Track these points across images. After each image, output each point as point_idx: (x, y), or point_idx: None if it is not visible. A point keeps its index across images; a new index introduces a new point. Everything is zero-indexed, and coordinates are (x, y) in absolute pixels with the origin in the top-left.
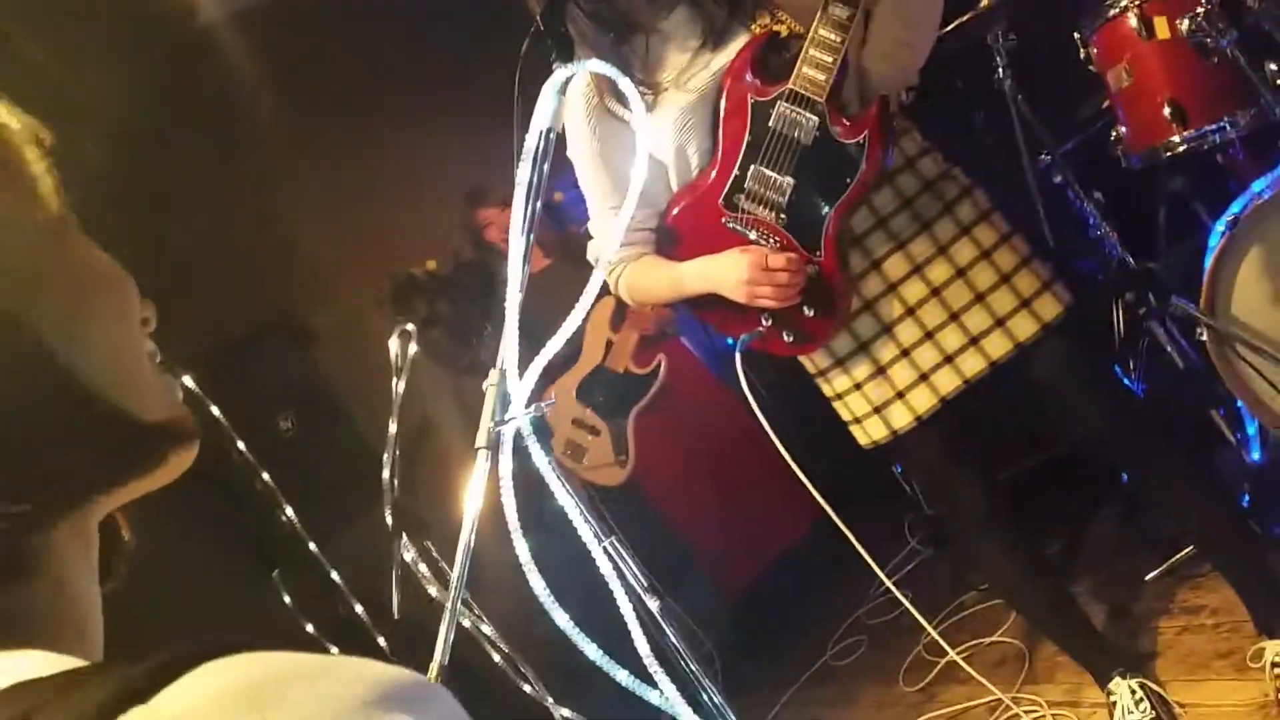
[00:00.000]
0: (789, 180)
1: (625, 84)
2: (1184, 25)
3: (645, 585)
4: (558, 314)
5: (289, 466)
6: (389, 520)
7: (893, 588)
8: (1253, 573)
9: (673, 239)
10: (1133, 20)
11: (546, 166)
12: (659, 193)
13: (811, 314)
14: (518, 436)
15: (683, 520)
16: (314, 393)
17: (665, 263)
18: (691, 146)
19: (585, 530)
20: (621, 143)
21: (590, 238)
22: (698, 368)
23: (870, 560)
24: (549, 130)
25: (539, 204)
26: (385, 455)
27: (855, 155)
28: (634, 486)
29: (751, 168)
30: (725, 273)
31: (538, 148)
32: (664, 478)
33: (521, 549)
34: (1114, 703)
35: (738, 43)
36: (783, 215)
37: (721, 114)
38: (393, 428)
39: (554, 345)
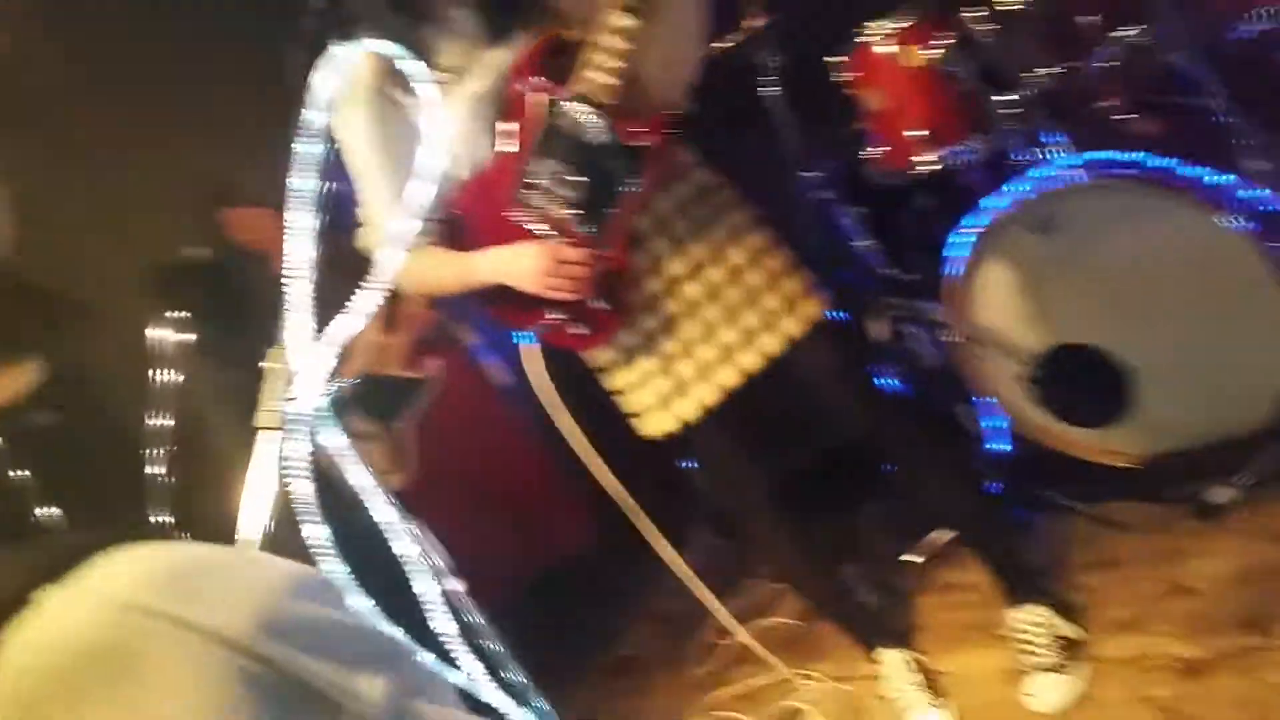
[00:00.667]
0: (577, 178)
1: (417, 68)
2: (932, 55)
3: (446, 567)
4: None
5: (49, 461)
6: (161, 517)
7: (685, 571)
8: (1000, 551)
9: (458, 230)
10: (887, 48)
11: (333, 145)
12: (444, 179)
13: (602, 307)
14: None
15: (452, 526)
16: (79, 382)
17: (451, 253)
18: (475, 139)
19: (387, 512)
20: (400, 130)
21: (359, 225)
22: (475, 373)
23: (663, 547)
24: (331, 107)
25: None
26: (153, 449)
27: (642, 157)
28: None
29: (541, 164)
30: (520, 263)
31: (320, 123)
32: (435, 485)
33: (315, 533)
34: (883, 672)
35: (522, 42)
36: (571, 211)
37: (508, 110)
38: (158, 420)
39: (345, 325)
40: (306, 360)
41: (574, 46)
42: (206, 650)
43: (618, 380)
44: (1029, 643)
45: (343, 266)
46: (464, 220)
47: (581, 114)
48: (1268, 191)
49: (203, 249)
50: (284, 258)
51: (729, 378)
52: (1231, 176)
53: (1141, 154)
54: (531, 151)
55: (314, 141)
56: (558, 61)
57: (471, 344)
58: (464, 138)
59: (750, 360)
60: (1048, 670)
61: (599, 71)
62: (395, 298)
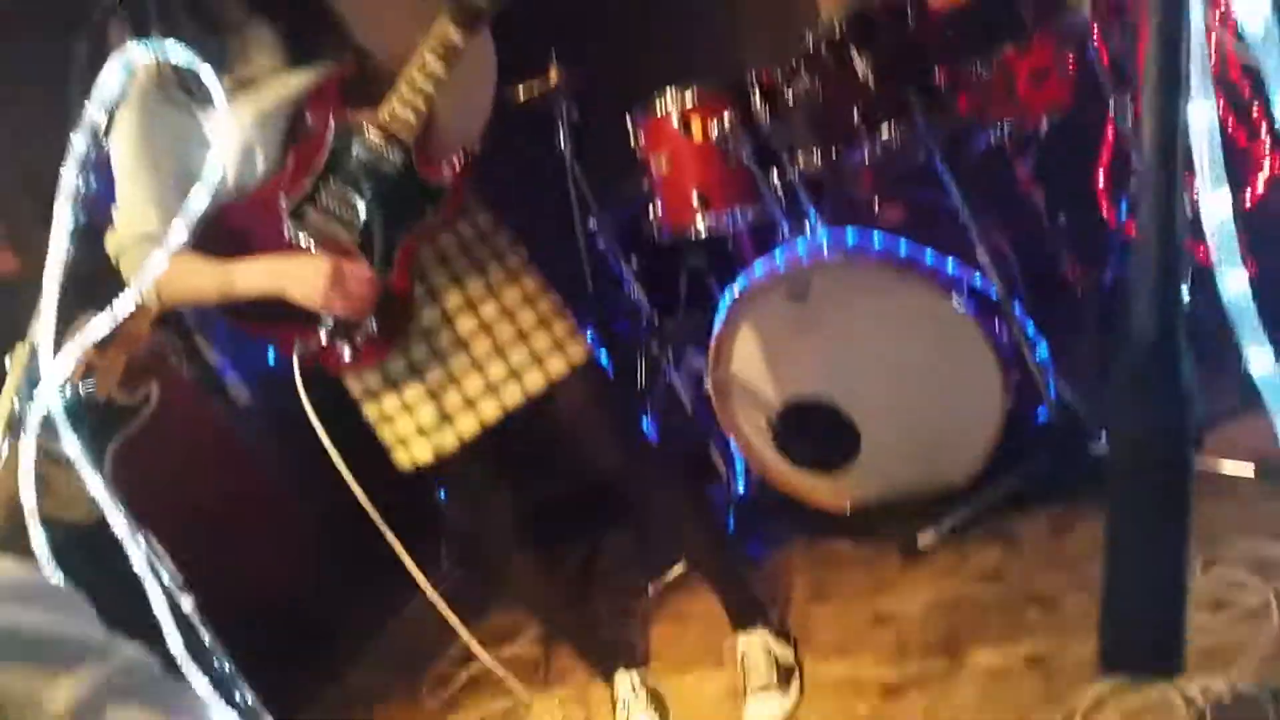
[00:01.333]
0: (367, 204)
1: (207, 72)
2: (713, 130)
3: (179, 582)
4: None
5: None
6: None
7: (433, 596)
8: (729, 582)
9: (224, 240)
10: (674, 119)
11: (105, 142)
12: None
13: (375, 330)
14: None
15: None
16: None
17: (209, 260)
18: (260, 151)
19: (118, 522)
20: (173, 133)
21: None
22: (195, 403)
23: (415, 572)
24: (114, 103)
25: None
26: None
27: (436, 194)
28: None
29: (329, 184)
30: (302, 274)
31: (96, 118)
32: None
33: (38, 540)
34: (617, 695)
35: (323, 66)
36: (355, 234)
37: (302, 129)
38: None
39: (98, 326)
40: (52, 361)
41: (372, 79)
42: None
43: (380, 407)
44: (750, 666)
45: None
46: (232, 230)
47: (380, 143)
48: (988, 281)
49: None
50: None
51: (490, 412)
52: (959, 265)
53: (889, 238)
54: (319, 171)
55: (86, 139)
56: (360, 90)
57: (197, 365)
58: (246, 151)
59: (512, 396)
60: (765, 690)
61: (404, 106)
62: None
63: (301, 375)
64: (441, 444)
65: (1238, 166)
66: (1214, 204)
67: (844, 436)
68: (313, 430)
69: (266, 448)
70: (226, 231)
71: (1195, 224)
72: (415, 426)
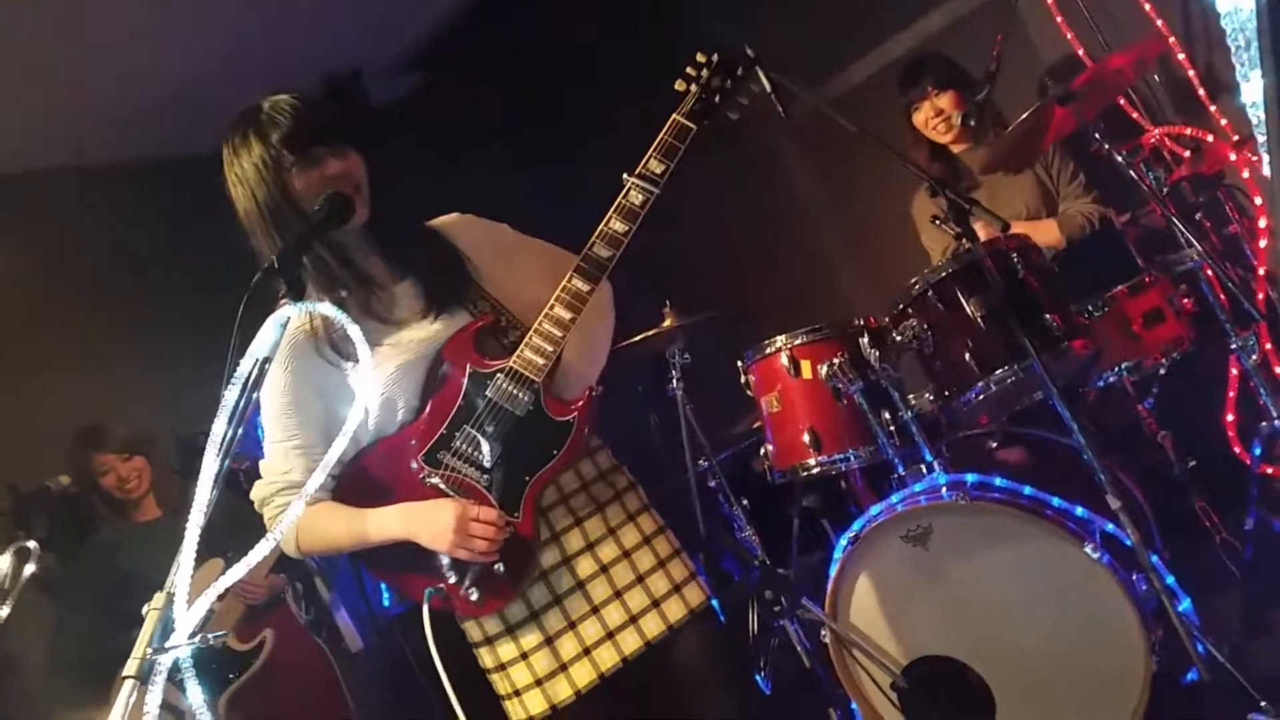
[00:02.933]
0: (497, 446)
1: (355, 331)
2: (823, 370)
3: None
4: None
5: None
6: None
7: None
8: None
9: (361, 488)
10: (784, 359)
11: (255, 395)
12: (360, 435)
13: (503, 572)
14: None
15: None
16: None
17: (347, 509)
18: (400, 401)
19: None
20: (319, 386)
21: (258, 476)
22: (307, 650)
23: None
24: (265, 359)
25: (239, 429)
26: None
27: (563, 432)
28: None
29: (461, 429)
30: (432, 520)
31: (250, 373)
32: None
33: None
34: None
35: (459, 318)
36: (485, 476)
37: (437, 377)
38: None
39: (234, 574)
40: (187, 609)
41: (507, 330)
42: None
43: (497, 655)
44: None
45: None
46: (370, 477)
47: (511, 387)
48: (1121, 527)
49: (61, 479)
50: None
51: (607, 660)
52: (1088, 510)
53: (1014, 482)
54: (452, 417)
55: (237, 389)
56: (491, 341)
57: (314, 608)
58: (386, 399)
59: (630, 643)
60: None
61: (534, 352)
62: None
63: (430, 621)
64: (556, 694)
65: None
66: None
67: (977, 700)
68: (420, 680)
69: (375, 695)
70: (366, 479)
71: None
72: (531, 676)
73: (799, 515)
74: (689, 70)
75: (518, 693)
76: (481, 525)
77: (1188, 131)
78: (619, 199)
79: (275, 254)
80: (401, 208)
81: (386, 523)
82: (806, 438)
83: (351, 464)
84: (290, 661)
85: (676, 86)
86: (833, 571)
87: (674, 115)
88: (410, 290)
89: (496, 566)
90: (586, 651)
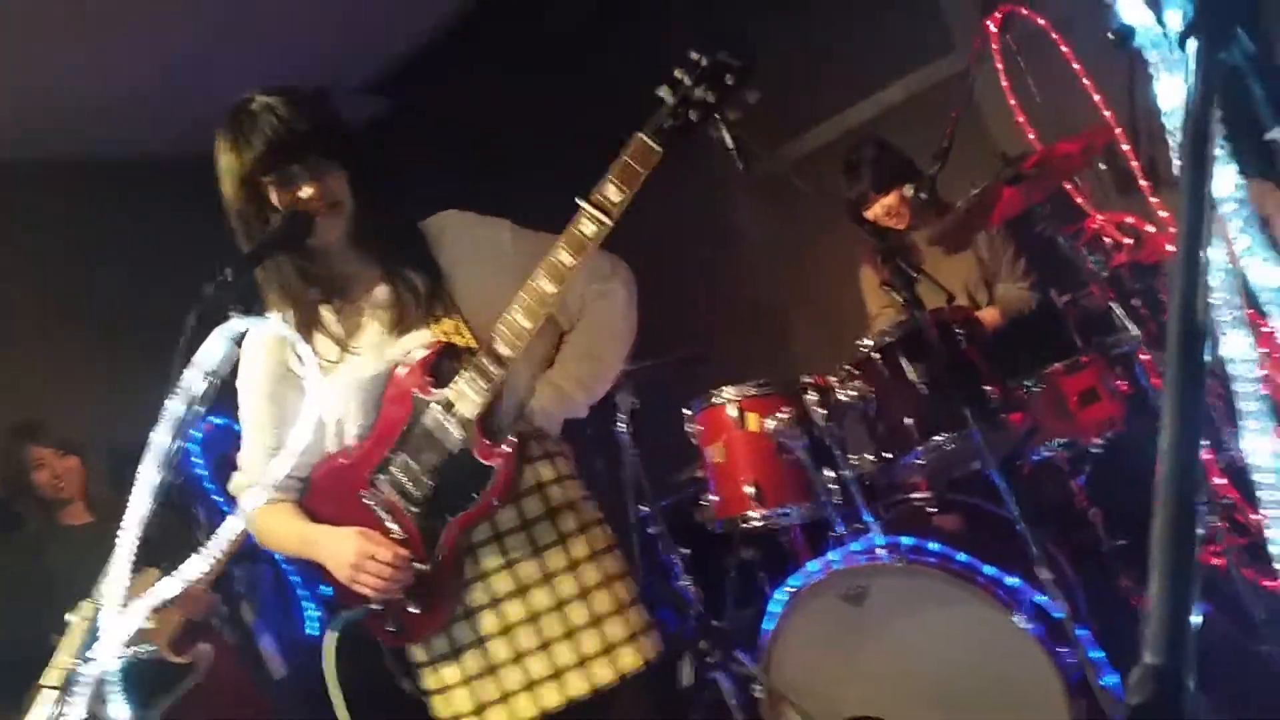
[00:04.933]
0: (426, 480)
1: (304, 350)
2: (770, 425)
3: None
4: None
5: None
6: None
7: None
8: None
9: (314, 495)
10: (731, 411)
11: (200, 408)
12: (316, 447)
13: (416, 611)
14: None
15: None
16: None
17: (301, 518)
18: (352, 419)
19: None
20: (293, 391)
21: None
22: (238, 669)
23: None
24: (212, 373)
25: (180, 442)
26: None
27: (483, 476)
28: None
29: (400, 455)
30: (335, 550)
31: (195, 386)
32: None
33: None
34: None
35: (419, 336)
36: (413, 508)
37: (386, 398)
38: None
39: (181, 578)
40: (117, 619)
41: (464, 354)
42: None
43: (427, 681)
44: None
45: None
46: (320, 488)
47: (445, 419)
48: (1051, 599)
49: None
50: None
51: (524, 711)
52: (1019, 579)
53: (949, 547)
54: (396, 441)
55: (181, 400)
56: (446, 365)
57: (238, 631)
58: (341, 415)
59: (551, 698)
60: None
61: (469, 386)
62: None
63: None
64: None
65: None
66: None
67: None
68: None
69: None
70: (322, 490)
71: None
72: (452, 712)
73: (737, 568)
74: (675, 73)
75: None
76: (376, 565)
77: (1129, 220)
78: (569, 226)
79: (227, 266)
80: (384, 219)
81: (312, 540)
82: (749, 490)
83: (315, 471)
84: (225, 681)
85: (660, 93)
86: (768, 626)
87: (639, 134)
88: (384, 302)
89: (409, 605)
90: (506, 698)
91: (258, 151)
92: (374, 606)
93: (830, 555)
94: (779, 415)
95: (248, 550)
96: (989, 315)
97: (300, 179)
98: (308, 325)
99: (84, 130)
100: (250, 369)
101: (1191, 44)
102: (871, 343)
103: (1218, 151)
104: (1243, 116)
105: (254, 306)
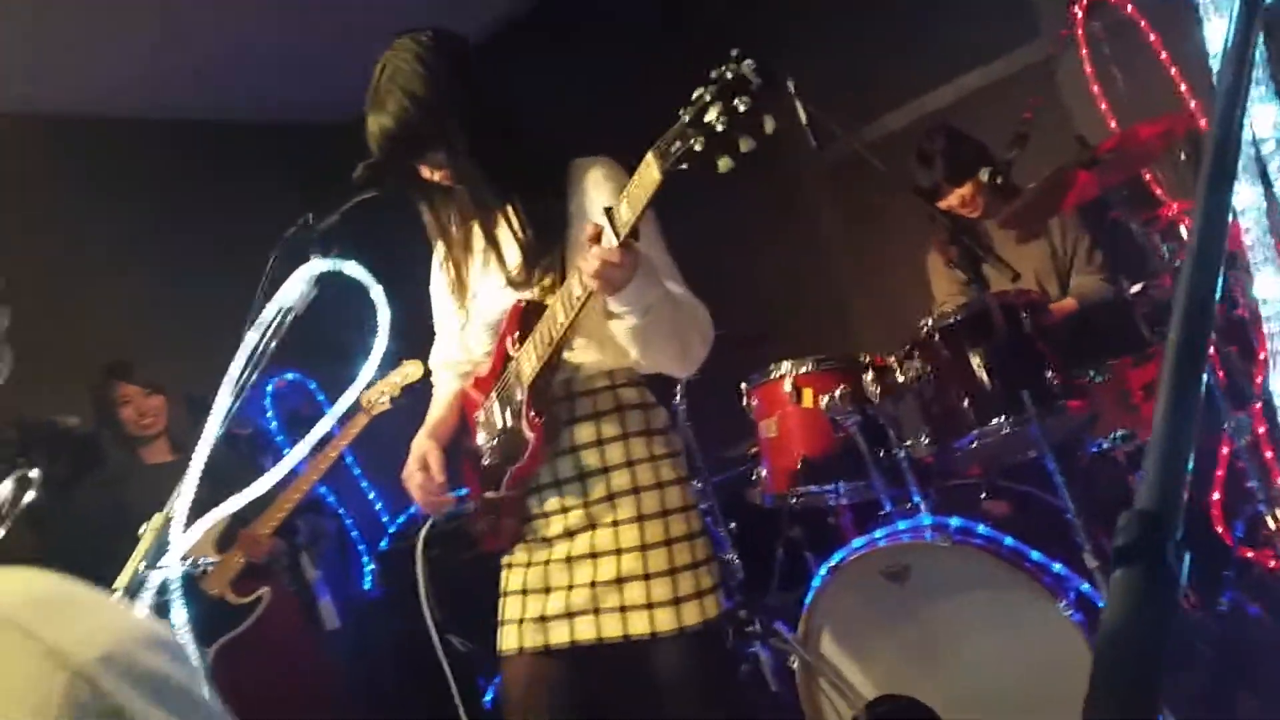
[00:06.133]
0: (500, 423)
1: (377, 292)
2: (824, 401)
3: None
4: None
5: None
6: None
7: None
8: None
9: (470, 391)
10: (788, 385)
11: (274, 343)
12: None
13: (484, 529)
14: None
15: None
16: None
17: (442, 402)
18: (486, 347)
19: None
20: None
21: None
22: (292, 617)
23: None
24: (289, 310)
25: (254, 375)
26: None
27: (522, 442)
28: None
29: (495, 393)
30: (413, 452)
31: (274, 320)
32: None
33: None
34: None
35: (528, 290)
36: (490, 444)
37: (500, 335)
38: None
39: (233, 503)
40: (182, 533)
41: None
42: (43, 664)
43: (508, 581)
44: None
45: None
46: (467, 391)
47: (514, 378)
48: (1097, 589)
49: (73, 417)
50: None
51: (557, 636)
52: (1066, 568)
53: (997, 531)
54: (497, 380)
55: (258, 333)
56: (534, 320)
57: (297, 580)
58: (481, 341)
59: (584, 631)
60: None
61: (530, 350)
62: (240, 519)
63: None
64: (528, 640)
65: None
66: None
67: None
68: (390, 663)
69: (347, 673)
70: (474, 390)
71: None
72: (507, 615)
73: (784, 545)
74: (706, 83)
75: (503, 624)
76: (416, 486)
77: None
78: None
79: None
80: (505, 166)
81: (420, 434)
82: (800, 465)
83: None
84: (281, 625)
85: (694, 96)
86: (809, 600)
87: (649, 152)
88: (506, 246)
89: (479, 524)
90: (543, 621)
91: (382, 142)
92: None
93: (875, 532)
94: (834, 392)
95: (312, 501)
96: (1065, 305)
97: (424, 164)
98: (459, 257)
99: (173, 90)
100: (437, 279)
101: None
102: (933, 322)
103: (1259, 91)
104: None
105: (333, 248)
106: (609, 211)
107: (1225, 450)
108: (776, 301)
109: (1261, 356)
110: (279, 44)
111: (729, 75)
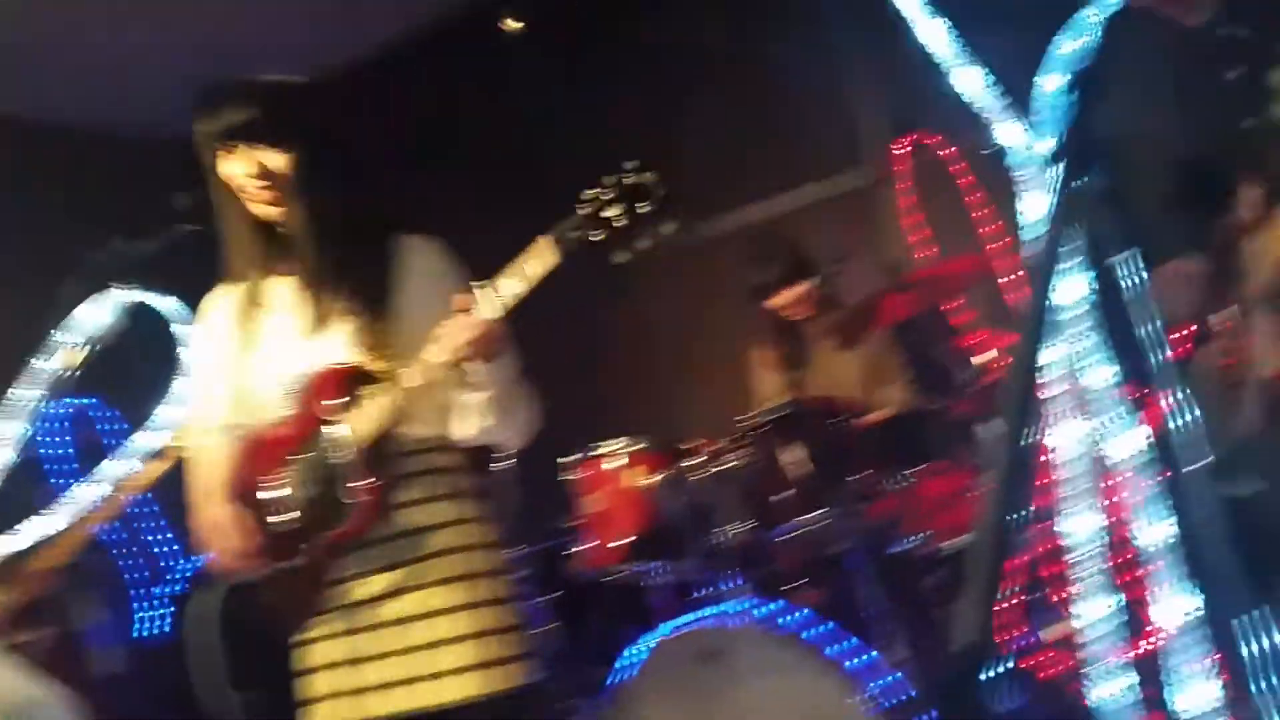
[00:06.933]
0: (311, 491)
1: (179, 327)
2: (653, 481)
3: None
4: None
5: None
6: None
7: None
8: None
9: (239, 459)
10: (617, 463)
11: (72, 371)
12: (258, 404)
13: (278, 603)
14: None
15: None
16: None
17: (217, 471)
18: (277, 404)
19: None
20: (244, 352)
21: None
22: (67, 659)
23: None
24: (90, 338)
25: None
26: None
27: (346, 510)
28: None
29: (302, 457)
30: (206, 512)
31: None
32: None
33: None
34: None
35: (345, 350)
36: (297, 510)
37: (301, 397)
38: None
39: (21, 535)
40: None
41: (368, 376)
42: None
43: (298, 661)
44: None
45: None
46: (242, 455)
47: (336, 444)
48: (898, 680)
49: None
50: None
51: (375, 708)
52: (870, 660)
53: (805, 618)
54: (300, 443)
55: (52, 361)
56: (360, 383)
57: (73, 620)
58: (272, 397)
59: (400, 702)
60: None
61: (363, 414)
62: (23, 555)
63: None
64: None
65: None
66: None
67: None
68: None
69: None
70: (243, 458)
71: None
72: (318, 690)
73: (600, 620)
74: (602, 180)
75: (312, 700)
76: (226, 542)
77: (1005, 343)
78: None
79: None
80: (331, 215)
81: (202, 503)
82: (623, 543)
83: (253, 432)
84: (53, 669)
85: (582, 197)
86: (620, 677)
87: (544, 237)
88: (325, 299)
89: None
90: (357, 693)
91: (211, 122)
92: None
93: (690, 614)
94: (663, 473)
95: (90, 541)
96: (877, 415)
97: (239, 152)
98: (255, 300)
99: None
100: (212, 325)
101: (1055, 167)
102: (757, 418)
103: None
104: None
105: (143, 279)
106: (491, 284)
107: (1013, 567)
108: (608, 381)
109: (1045, 483)
110: (108, 44)
111: (630, 181)
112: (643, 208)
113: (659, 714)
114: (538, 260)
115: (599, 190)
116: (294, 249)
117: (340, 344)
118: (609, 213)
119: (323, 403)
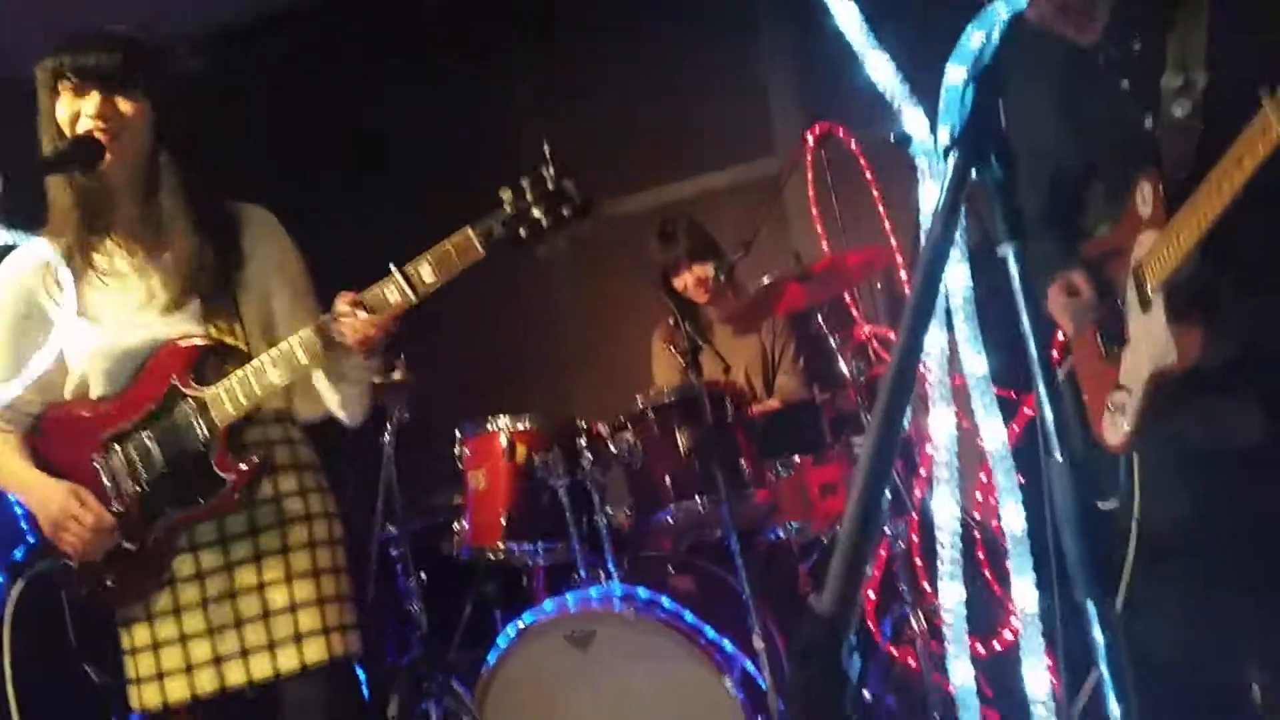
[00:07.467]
0: (159, 467)
1: (66, 279)
2: (537, 459)
3: None
4: None
5: None
6: None
7: None
8: None
9: (44, 438)
10: (503, 440)
11: None
12: (57, 388)
13: (111, 584)
14: None
15: None
16: None
17: (21, 456)
18: (101, 378)
19: None
20: (39, 324)
21: None
22: None
23: None
24: None
25: None
26: None
27: (216, 486)
28: None
29: (142, 433)
30: (44, 499)
31: None
32: None
33: None
34: None
35: (189, 325)
36: (137, 489)
37: (143, 370)
38: None
39: None
40: None
41: (234, 355)
42: None
43: (122, 642)
44: None
45: None
46: (50, 432)
47: (197, 416)
48: (759, 669)
49: None
50: None
51: (207, 683)
52: (736, 646)
53: (679, 606)
54: (141, 417)
55: None
56: (211, 363)
57: None
58: (89, 370)
59: (235, 675)
60: None
61: (231, 401)
62: None
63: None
64: (153, 699)
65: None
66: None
67: None
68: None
69: None
70: (52, 434)
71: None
72: (137, 672)
73: (474, 601)
74: (522, 181)
75: (140, 680)
76: (79, 526)
77: (893, 336)
78: (376, 285)
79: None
80: (187, 174)
81: (26, 483)
82: (503, 520)
83: (50, 412)
84: None
85: (501, 195)
86: (491, 659)
87: (468, 229)
88: (171, 266)
89: (106, 577)
90: (189, 669)
91: (72, 55)
92: (70, 564)
93: (566, 596)
94: (547, 452)
95: None
96: (769, 405)
97: (93, 91)
98: (81, 262)
99: None
100: (14, 284)
101: (952, 158)
102: (649, 399)
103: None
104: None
105: (19, 222)
106: (404, 272)
107: (883, 554)
108: (501, 357)
109: (924, 474)
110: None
111: (551, 186)
112: (567, 209)
113: (528, 698)
114: (461, 252)
115: (522, 190)
116: (119, 208)
117: (188, 316)
118: (535, 213)
119: (173, 378)
